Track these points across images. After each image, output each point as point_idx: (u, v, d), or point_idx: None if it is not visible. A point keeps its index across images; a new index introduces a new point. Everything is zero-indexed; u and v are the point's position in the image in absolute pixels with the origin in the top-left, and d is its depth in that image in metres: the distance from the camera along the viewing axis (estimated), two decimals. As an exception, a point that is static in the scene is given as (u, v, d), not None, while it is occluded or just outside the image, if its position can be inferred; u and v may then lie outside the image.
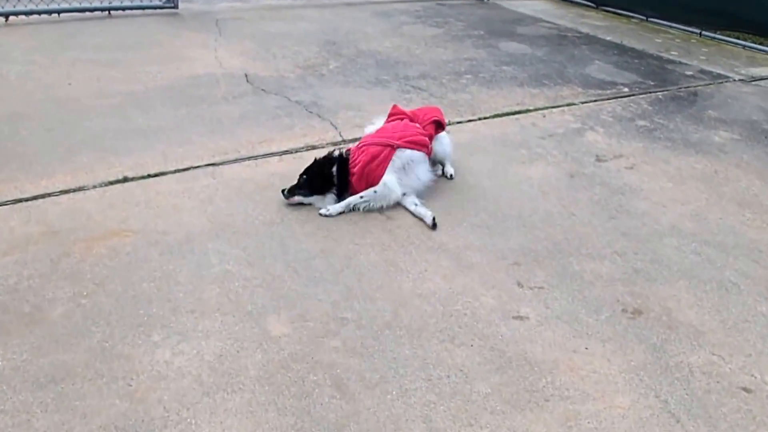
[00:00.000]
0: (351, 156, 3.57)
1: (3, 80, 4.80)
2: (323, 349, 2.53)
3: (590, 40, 7.32)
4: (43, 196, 3.39)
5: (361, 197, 3.51)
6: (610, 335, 2.76)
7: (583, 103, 5.34)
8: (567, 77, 5.93)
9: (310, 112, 4.64)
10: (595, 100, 5.42)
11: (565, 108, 5.20)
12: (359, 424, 2.22)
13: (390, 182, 3.53)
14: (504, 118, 4.91)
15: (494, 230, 3.43)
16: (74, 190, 3.47)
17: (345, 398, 2.32)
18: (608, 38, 7.45)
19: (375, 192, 3.51)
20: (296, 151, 4.08)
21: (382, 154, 3.56)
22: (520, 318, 2.82)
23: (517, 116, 4.95)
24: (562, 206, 3.72)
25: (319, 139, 4.26)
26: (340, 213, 3.48)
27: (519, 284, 3.03)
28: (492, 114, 4.94)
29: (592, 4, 9.11)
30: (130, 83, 4.87)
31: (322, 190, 3.48)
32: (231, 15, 7.29)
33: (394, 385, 2.39)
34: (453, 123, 4.72)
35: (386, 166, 3.55)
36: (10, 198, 3.36)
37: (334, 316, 2.71)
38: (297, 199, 3.46)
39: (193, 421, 2.18)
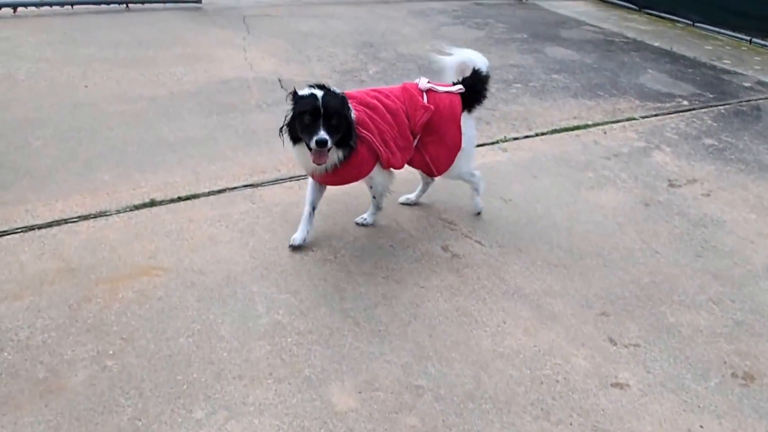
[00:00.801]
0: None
1: (11, 80, 4.33)
2: (399, 430, 2.10)
3: (639, 46, 6.83)
4: (58, 223, 2.93)
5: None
6: (725, 408, 2.33)
7: (643, 117, 4.88)
8: (622, 88, 5.46)
9: (352, 124, 4.19)
10: (655, 115, 4.96)
11: (626, 123, 4.74)
12: None
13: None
14: (563, 134, 4.45)
15: (573, 271, 2.99)
16: (94, 216, 3.01)
17: (432, 500, 1.89)
18: (656, 44, 6.97)
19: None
20: (341, 171, 3.62)
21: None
22: (620, 386, 2.38)
23: (576, 132, 4.49)
24: (643, 241, 3.28)
25: (364, 156, 3.81)
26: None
27: (611, 341, 2.59)
28: (549, 129, 4.48)
29: (635, 7, 8.60)
30: (154, 86, 4.40)
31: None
32: (259, 11, 6.80)
33: (488, 479, 1.96)
34: (509, 139, 4.27)
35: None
36: (20, 225, 2.90)
37: (407, 383, 2.27)
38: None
39: None
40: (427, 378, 2.30)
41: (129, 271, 2.66)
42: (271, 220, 3.10)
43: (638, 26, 7.78)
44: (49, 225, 2.92)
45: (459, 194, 3.50)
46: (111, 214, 3.03)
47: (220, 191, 3.29)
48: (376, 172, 2.92)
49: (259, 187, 3.35)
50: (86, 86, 4.33)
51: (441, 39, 6.28)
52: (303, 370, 2.28)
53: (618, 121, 4.76)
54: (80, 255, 2.74)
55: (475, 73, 3.16)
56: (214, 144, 3.73)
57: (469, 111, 3.12)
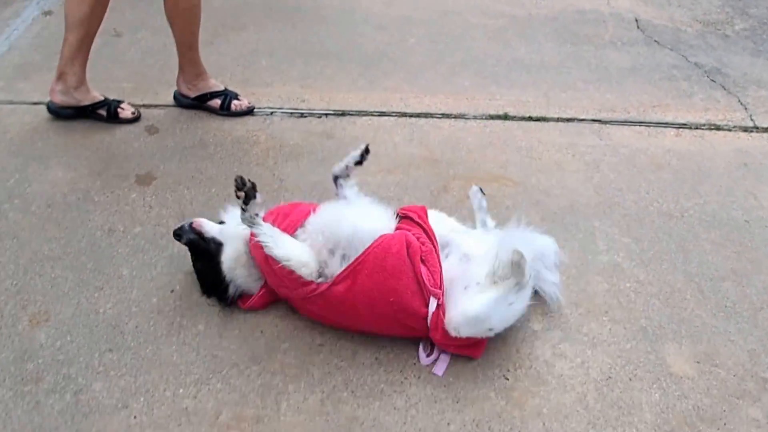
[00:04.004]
0: None
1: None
2: (739, 417, 1.83)
3: None
4: (425, 116, 3.08)
5: None
6: None
7: None
8: None
9: (713, 81, 3.58)
10: None
11: None
12: None
13: None
14: None
15: None
16: (455, 117, 3.10)
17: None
18: None
19: None
20: (696, 128, 3.15)
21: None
22: None
23: None
24: None
25: (723, 118, 3.24)
26: None
27: None
28: None
29: None
30: (513, 6, 4.28)
31: None
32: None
33: None
34: None
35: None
36: (395, 110, 3.11)
37: (753, 372, 1.96)
38: None
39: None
40: (778, 376, 1.96)
41: (482, 174, 2.70)
42: (618, 161, 2.85)
43: None
44: (418, 115, 3.09)
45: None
46: (469, 118, 3.09)
47: (568, 120, 3.11)
48: None
49: (607, 125, 3.09)
50: (454, -5, 4.41)
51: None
52: (639, 320, 2.10)
53: None
54: (442, 149, 2.86)
55: None
56: (566, 73, 3.52)
57: None
